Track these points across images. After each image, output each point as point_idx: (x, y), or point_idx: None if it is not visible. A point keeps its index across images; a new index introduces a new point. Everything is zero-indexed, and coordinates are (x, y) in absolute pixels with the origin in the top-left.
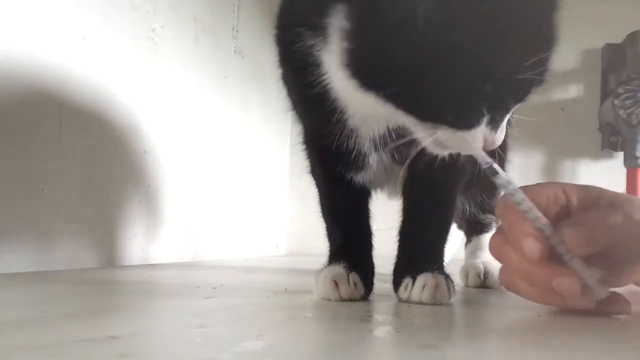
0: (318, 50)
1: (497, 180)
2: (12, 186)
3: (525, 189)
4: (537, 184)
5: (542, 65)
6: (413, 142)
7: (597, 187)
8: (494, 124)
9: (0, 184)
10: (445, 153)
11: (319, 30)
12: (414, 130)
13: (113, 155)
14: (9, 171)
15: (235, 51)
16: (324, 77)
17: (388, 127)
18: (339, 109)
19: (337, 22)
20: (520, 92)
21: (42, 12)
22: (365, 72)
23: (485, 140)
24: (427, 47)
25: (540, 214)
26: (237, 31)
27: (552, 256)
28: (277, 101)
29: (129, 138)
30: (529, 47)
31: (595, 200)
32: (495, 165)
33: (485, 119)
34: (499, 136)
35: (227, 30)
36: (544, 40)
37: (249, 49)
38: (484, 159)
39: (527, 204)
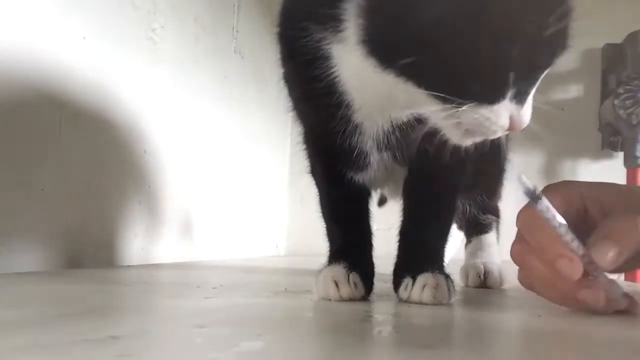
0: (327, 43)
1: (538, 207)
2: (12, 186)
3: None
4: (552, 186)
5: (565, 26)
6: (415, 139)
7: (612, 184)
8: (520, 98)
9: (0, 184)
10: (468, 142)
11: (329, 21)
12: (432, 116)
13: (113, 155)
14: (9, 171)
15: (235, 51)
16: (332, 70)
17: (392, 124)
18: (345, 103)
19: (353, 5)
20: (546, 56)
21: (42, 12)
22: (384, 44)
23: (512, 118)
24: (446, 7)
25: (569, 232)
26: (237, 31)
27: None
28: (277, 101)
29: (129, 138)
30: (552, 3)
31: (612, 202)
32: (539, 191)
33: (511, 92)
34: (527, 113)
35: (227, 30)
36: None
37: (249, 49)
38: (525, 183)
39: (557, 220)
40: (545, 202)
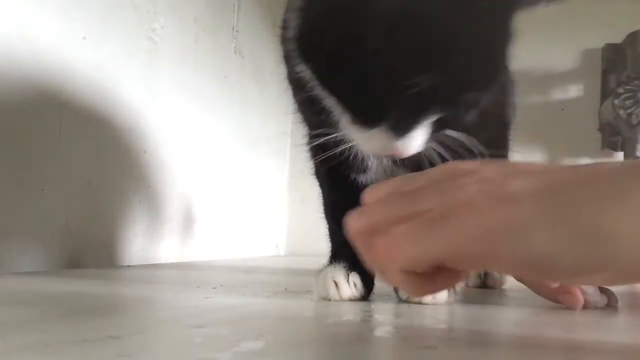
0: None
1: None
2: (12, 186)
3: None
4: None
5: (459, 81)
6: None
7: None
8: (397, 131)
9: (0, 184)
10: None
11: None
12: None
13: (113, 155)
14: (9, 171)
15: (235, 51)
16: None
17: None
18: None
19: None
20: (421, 106)
21: (42, 12)
22: (302, 46)
23: (384, 147)
24: (340, 24)
25: None
26: (237, 31)
27: None
28: (277, 101)
29: (129, 138)
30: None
31: None
32: None
33: (388, 123)
34: (406, 146)
35: (227, 30)
36: (469, 56)
37: (249, 49)
38: None
39: None
40: None
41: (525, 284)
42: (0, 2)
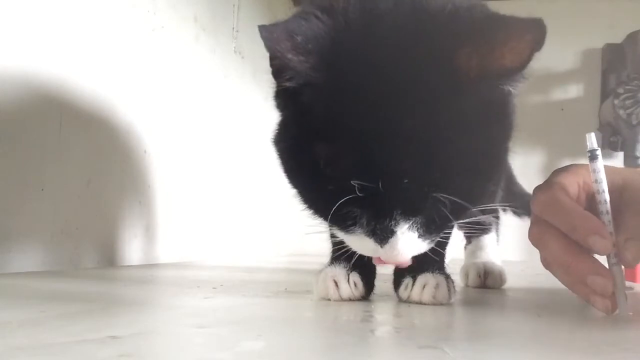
0: None
1: (596, 166)
2: (12, 186)
3: (562, 179)
4: (562, 169)
5: (415, 190)
6: None
7: (617, 170)
8: (377, 237)
9: (0, 184)
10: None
11: None
12: None
13: (113, 155)
14: (9, 171)
15: (235, 51)
16: None
17: None
18: None
19: None
20: (387, 210)
21: (42, 12)
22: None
23: (374, 251)
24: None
25: (606, 204)
26: (237, 31)
27: (587, 254)
28: None
29: (129, 138)
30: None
31: (619, 188)
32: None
33: (365, 229)
34: (394, 252)
35: (227, 30)
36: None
37: (249, 49)
38: (593, 142)
39: (606, 194)
40: (601, 164)
41: (552, 272)
42: (0, 2)
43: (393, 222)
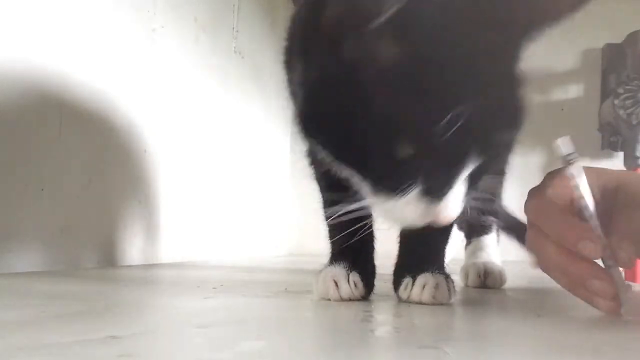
0: None
1: (571, 172)
2: (12, 186)
3: (549, 184)
4: (555, 172)
5: (484, 133)
6: None
7: (609, 171)
8: (431, 195)
9: (0, 184)
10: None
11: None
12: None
13: (113, 155)
14: (9, 171)
15: (235, 51)
16: None
17: None
18: None
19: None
20: (454, 160)
21: (42, 12)
22: (308, 125)
23: (423, 214)
24: (345, 92)
25: (590, 208)
26: (237, 31)
27: (585, 258)
28: (277, 101)
29: (129, 138)
30: (450, 101)
31: (613, 189)
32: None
33: (419, 189)
34: (446, 210)
35: (227, 30)
36: (492, 105)
37: (249, 49)
38: (567, 146)
39: (585, 193)
40: (578, 169)
41: (551, 276)
42: (0, 2)
43: (449, 178)
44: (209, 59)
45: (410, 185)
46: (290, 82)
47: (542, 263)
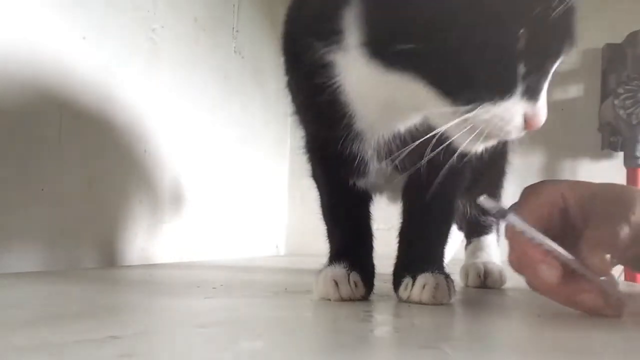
0: (330, 54)
1: (507, 221)
2: (12, 186)
3: (527, 202)
4: (533, 188)
5: (570, 14)
6: (418, 151)
7: (588, 185)
8: (532, 94)
9: (0, 184)
10: (479, 148)
11: (331, 35)
12: (440, 122)
13: (113, 155)
14: (9, 171)
15: (235, 51)
16: (334, 80)
17: (394, 134)
18: (348, 114)
19: (351, 14)
20: (554, 43)
21: (42, 12)
22: (383, 37)
23: (527, 117)
24: None
25: (553, 245)
26: (237, 31)
27: (571, 273)
28: (277, 101)
29: (129, 138)
30: None
31: (589, 200)
32: (505, 208)
33: (522, 88)
34: (542, 110)
35: (227, 30)
36: None
37: (249, 49)
38: (491, 204)
39: (540, 238)
40: (512, 218)
41: (542, 295)
42: (0, 2)
43: (544, 75)
44: (209, 59)
45: (515, 85)
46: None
47: (530, 283)
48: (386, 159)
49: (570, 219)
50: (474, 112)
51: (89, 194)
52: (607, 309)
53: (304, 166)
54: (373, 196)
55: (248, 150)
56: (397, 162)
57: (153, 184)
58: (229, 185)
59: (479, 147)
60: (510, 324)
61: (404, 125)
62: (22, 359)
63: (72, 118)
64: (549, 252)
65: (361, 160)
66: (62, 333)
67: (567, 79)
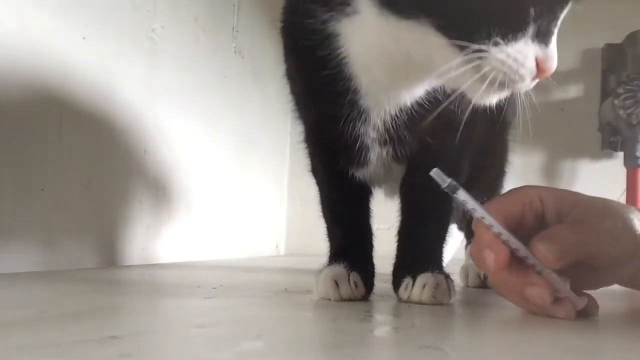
0: (334, 22)
1: (457, 198)
2: (12, 186)
3: (500, 198)
4: (513, 189)
5: None
6: (420, 133)
7: (572, 194)
8: (542, 37)
9: (0, 184)
10: (492, 99)
11: (337, 1)
12: (453, 73)
13: (113, 155)
14: (9, 171)
15: (235, 51)
16: (339, 50)
17: (400, 108)
18: (352, 88)
19: None
20: None
21: (43, 12)
22: None
23: (539, 61)
24: None
25: (502, 229)
26: (237, 31)
27: (524, 266)
28: (277, 101)
29: (129, 138)
30: None
31: (568, 209)
32: (455, 183)
33: (532, 29)
34: (553, 55)
35: (227, 30)
36: None
37: (249, 49)
38: (442, 177)
39: (489, 219)
40: (462, 195)
41: (513, 301)
42: (0, 2)
43: (556, 17)
44: (209, 59)
45: (526, 25)
46: None
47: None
48: (388, 144)
49: (546, 224)
50: (487, 53)
51: (89, 194)
52: (556, 309)
53: (304, 166)
54: (373, 190)
55: (248, 150)
56: (397, 147)
57: (153, 184)
58: (229, 185)
59: (493, 98)
60: (510, 324)
61: (410, 96)
62: (22, 359)
63: (72, 118)
64: (497, 237)
65: (362, 145)
66: (62, 333)
67: (567, 79)
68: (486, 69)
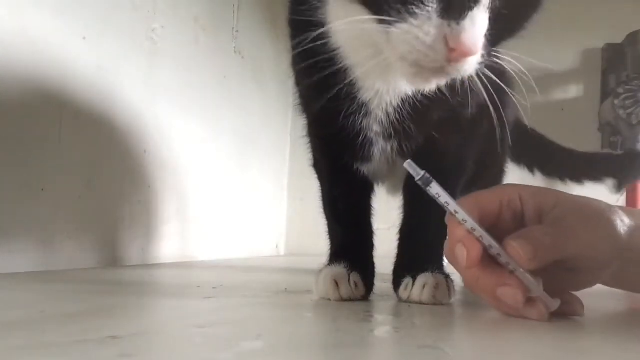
0: (322, 10)
1: (430, 192)
2: (12, 186)
3: (477, 193)
4: (495, 187)
5: None
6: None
7: (554, 192)
8: (453, 14)
9: (0, 184)
10: (424, 84)
11: None
12: (386, 53)
13: (113, 155)
14: (9, 171)
15: (235, 51)
16: (331, 40)
17: (402, 99)
18: (348, 79)
19: None
20: None
21: (42, 12)
22: None
23: (447, 37)
24: None
25: (476, 225)
26: (237, 31)
27: (497, 264)
28: (277, 101)
29: (129, 138)
30: None
31: (550, 208)
32: (428, 176)
33: (436, 6)
34: (469, 33)
35: (227, 30)
36: None
37: (249, 49)
38: (415, 169)
39: (462, 214)
40: (436, 188)
41: (485, 300)
42: (0, 1)
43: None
44: (209, 59)
45: (424, 3)
46: None
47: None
48: (392, 138)
49: (525, 225)
50: (392, 27)
51: (89, 194)
52: (529, 310)
53: (304, 166)
54: (375, 186)
55: (248, 150)
56: (402, 141)
57: (153, 184)
58: (229, 185)
59: (422, 83)
60: (510, 324)
61: (408, 85)
62: (22, 359)
63: (72, 118)
64: (470, 233)
65: (365, 139)
66: (62, 333)
67: (567, 79)
68: (396, 46)
